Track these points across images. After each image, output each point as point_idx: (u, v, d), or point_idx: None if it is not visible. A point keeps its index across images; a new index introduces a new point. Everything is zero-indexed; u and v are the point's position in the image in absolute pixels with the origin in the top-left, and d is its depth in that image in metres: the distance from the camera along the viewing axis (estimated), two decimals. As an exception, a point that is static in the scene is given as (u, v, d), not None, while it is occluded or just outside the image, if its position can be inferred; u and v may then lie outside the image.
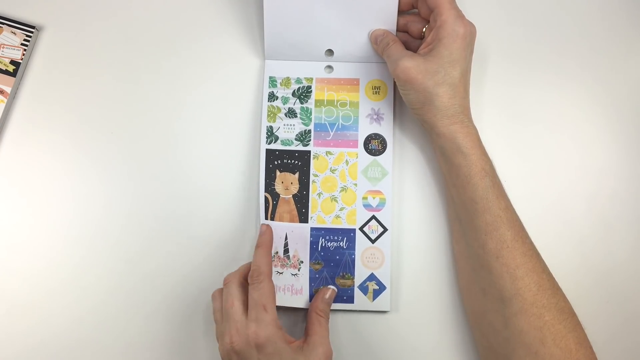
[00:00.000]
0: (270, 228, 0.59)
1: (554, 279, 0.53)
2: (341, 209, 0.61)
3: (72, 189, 0.62)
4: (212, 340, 0.59)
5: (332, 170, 0.61)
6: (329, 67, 0.63)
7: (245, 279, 0.55)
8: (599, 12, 0.64)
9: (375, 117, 0.62)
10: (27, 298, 0.60)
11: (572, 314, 0.52)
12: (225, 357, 0.53)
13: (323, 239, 0.60)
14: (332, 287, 0.58)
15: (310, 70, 0.63)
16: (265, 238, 0.58)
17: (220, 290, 0.56)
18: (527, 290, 0.51)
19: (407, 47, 0.61)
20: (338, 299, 0.59)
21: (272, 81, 0.62)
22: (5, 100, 0.62)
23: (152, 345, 0.60)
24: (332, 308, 0.59)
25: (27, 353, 0.59)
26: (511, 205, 0.54)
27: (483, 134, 0.56)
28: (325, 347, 0.54)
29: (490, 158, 0.55)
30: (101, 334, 0.60)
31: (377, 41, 0.60)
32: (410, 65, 0.54)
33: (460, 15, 0.55)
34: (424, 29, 0.59)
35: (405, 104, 0.58)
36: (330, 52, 0.62)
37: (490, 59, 0.64)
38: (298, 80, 0.62)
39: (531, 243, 0.54)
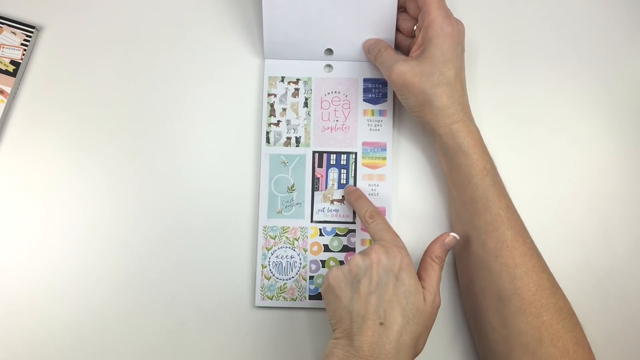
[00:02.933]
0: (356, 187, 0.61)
1: (553, 278, 0.53)
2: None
3: (72, 188, 0.62)
4: (214, 338, 0.59)
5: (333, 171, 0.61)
6: (329, 66, 0.63)
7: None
8: (598, 12, 0.64)
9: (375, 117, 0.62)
10: (27, 298, 0.60)
11: (571, 314, 0.52)
12: (362, 268, 0.51)
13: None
14: (453, 233, 0.55)
15: (310, 69, 0.63)
16: (358, 191, 0.59)
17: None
18: (526, 289, 0.51)
19: (399, 45, 0.61)
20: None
21: (272, 80, 0.62)
22: (5, 100, 0.62)
23: (153, 345, 0.60)
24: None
25: (27, 353, 0.59)
26: (512, 205, 0.54)
27: (483, 134, 0.56)
28: (437, 297, 0.52)
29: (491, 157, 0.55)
30: (102, 334, 0.60)
31: (370, 50, 0.60)
32: (404, 69, 0.55)
33: (448, 14, 0.55)
34: (415, 27, 0.59)
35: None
36: (329, 51, 0.62)
37: (490, 59, 0.64)
38: (298, 80, 0.62)
39: (531, 243, 0.54)
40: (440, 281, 0.53)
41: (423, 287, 0.51)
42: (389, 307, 0.48)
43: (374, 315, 0.48)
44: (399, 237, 0.53)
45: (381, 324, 0.48)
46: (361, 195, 0.58)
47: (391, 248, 0.51)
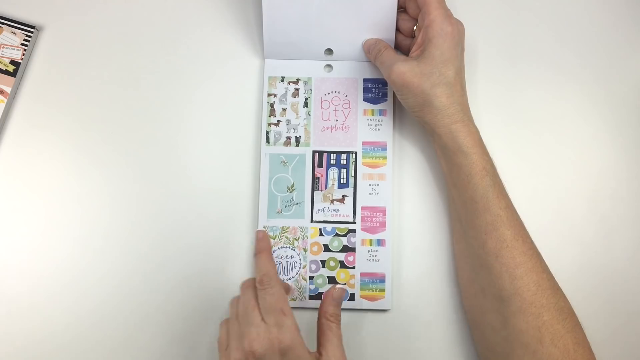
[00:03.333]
0: (266, 233, 0.59)
1: (554, 278, 0.53)
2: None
3: (71, 188, 0.62)
4: (214, 338, 0.59)
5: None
6: (329, 66, 0.63)
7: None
8: (598, 11, 0.64)
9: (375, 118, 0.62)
10: (27, 298, 0.60)
11: (571, 314, 0.51)
12: None
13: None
14: (340, 285, 0.55)
15: (310, 69, 0.63)
16: (264, 244, 0.57)
17: (238, 298, 0.54)
18: (526, 289, 0.51)
19: (399, 45, 0.61)
20: (338, 298, 0.59)
21: (272, 80, 0.62)
22: (5, 100, 0.62)
23: (153, 345, 0.60)
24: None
25: (28, 352, 0.59)
26: (512, 205, 0.54)
27: (482, 134, 0.56)
28: (341, 358, 0.51)
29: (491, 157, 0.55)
30: (101, 334, 0.60)
31: (370, 50, 0.60)
32: (404, 69, 0.55)
33: (447, 15, 0.55)
34: (415, 27, 0.59)
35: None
36: (329, 51, 0.62)
37: (490, 59, 0.64)
38: (298, 80, 0.62)
39: (531, 242, 0.54)
40: (341, 339, 0.52)
41: (321, 354, 0.51)
42: None
43: None
44: (285, 305, 0.51)
45: None
46: (262, 249, 0.56)
47: (267, 335, 0.49)
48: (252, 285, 0.53)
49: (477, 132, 0.55)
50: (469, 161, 0.54)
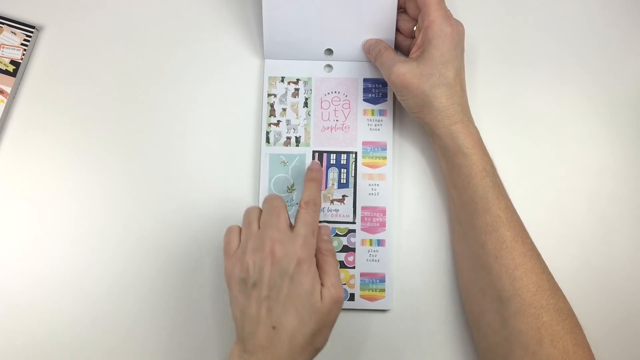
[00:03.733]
0: (321, 167, 0.59)
1: (553, 279, 0.53)
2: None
3: (72, 188, 0.62)
4: (215, 339, 0.59)
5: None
6: (329, 66, 0.63)
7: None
8: (597, 12, 0.64)
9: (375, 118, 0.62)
10: (27, 298, 0.60)
11: (571, 315, 0.51)
12: (256, 264, 0.50)
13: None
14: (324, 224, 0.56)
15: (310, 69, 0.63)
16: (318, 174, 0.57)
17: (256, 209, 0.54)
18: (526, 290, 0.51)
19: (399, 45, 0.61)
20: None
21: (272, 80, 0.62)
22: (5, 100, 0.62)
23: (153, 345, 0.60)
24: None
25: (27, 352, 0.59)
26: (512, 206, 0.54)
27: (482, 134, 0.56)
28: (334, 291, 0.51)
29: (491, 158, 0.55)
30: (101, 333, 0.60)
31: (370, 50, 0.60)
32: (404, 70, 0.55)
33: (447, 15, 0.55)
34: (415, 28, 0.59)
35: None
36: (329, 51, 0.62)
37: (489, 59, 0.64)
38: (298, 80, 0.62)
39: (531, 243, 0.54)
40: (338, 272, 0.53)
41: (322, 285, 0.51)
42: (282, 311, 0.49)
43: (266, 320, 0.49)
44: (317, 229, 0.53)
45: (274, 327, 0.49)
46: (315, 179, 0.56)
47: (291, 244, 0.50)
48: (281, 198, 0.54)
49: (477, 133, 0.55)
50: (468, 162, 0.54)
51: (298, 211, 0.53)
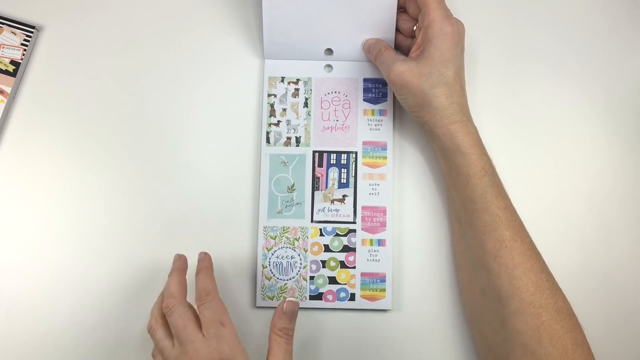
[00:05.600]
0: (208, 254, 0.57)
1: (553, 279, 0.53)
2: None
3: (71, 188, 0.62)
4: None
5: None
6: (329, 66, 0.63)
7: (186, 301, 0.52)
8: (598, 11, 0.64)
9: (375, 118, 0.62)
10: (27, 299, 0.60)
11: (570, 315, 0.52)
12: None
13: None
14: (291, 299, 0.52)
15: (310, 69, 0.63)
16: (205, 263, 0.56)
17: (157, 321, 0.52)
18: (525, 290, 0.51)
19: (399, 45, 0.61)
20: (339, 298, 0.59)
21: (272, 81, 0.62)
22: (5, 100, 0.62)
23: (153, 345, 0.60)
24: (334, 307, 0.60)
25: (27, 352, 0.59)
26: (511, 205, 0.54)
27: (482, 133, 0.56)
28: None
29: (491, 157, 0.55)
30: (101, 334, 0.60)
31: (370, 50, 0.60)
32: (403, 69, 0.55)
33: (447, 15, 0.55)
34: (415, 27, 0.59)
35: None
36: (329, 51, 0.62)
37: (490, 59, 0.64)
38: (298, 80, 0.62)
39: (531, 243, 0.54)
40: (289, 355, 0.50)
41: None
42: None
43: None
44: (225, 316, 0.50)
45: None
46: (202, 268, 0.55)
47: (208, 348, 0.48)
48: (179, 302, 0.51)
49: (476, 132, 0.55)
50: (467, 161, 0.54)
51: (198, 309, 0.51)
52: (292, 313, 0.51)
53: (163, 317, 0.52)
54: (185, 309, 0.51)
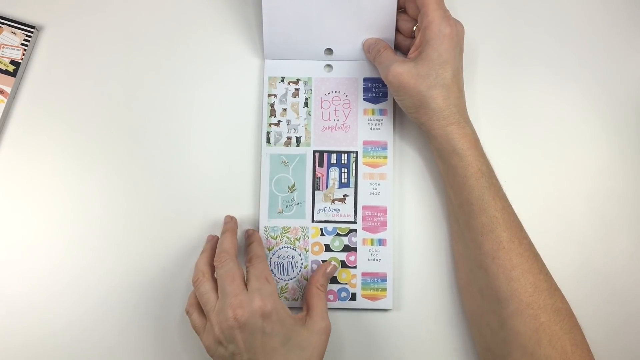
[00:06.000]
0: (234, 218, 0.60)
1: (552, 280, 0.53)
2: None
3: (71, 188, 0.62)
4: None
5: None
6: (329, 65, 0.63)
7: (236, 258, 0.55)
8: (598, 11, 0.64)
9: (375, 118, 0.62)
10: (27, 298, 0.60)
11: (569, 315, 0.52)
12: (225, 335, 0.51)
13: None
14: (333, 262, 0.59)
15: (310, 69, 0.63)
16: (251, 232, 0.60)
17: (204, 274, 0.55)
18: (523, 291, 0.51)
19: (398, 45, 0.61)
20: (340, 297, 0.60)
21: (272, 81, 0.62)
22: (5, 100, 0.62)
23: (153, 345, 0.60)
24: (334, 307, 0.60)
25: (27, 352, 0.60)
26: (509, 206, 0.54)
27: (481, 134, 0.56)
28: (326, 322, 0.55)
29: (489, 158, 0.55)
30: (101, 334, 0.60)
31: (369, 50, 0.60)
32: (401, 70, 0.55)
33: (446, 16, 0.55)
34: (415, 28, 0.59)
35: (403, 105, 0.58)
36: (329, 51, 0.62)
37: (488, 59, 0.64)
38: (298, 80, 0.62)
39: (529, 244, 0.54)
40: (326, 306, 0.56)
41: (309, 316, 0.55)
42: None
43: None
44: (270, 275, 0.55)
45: None
46: (254, 235, 0.59)
47: (250, 302, 0.51)
48: (230, 257, 0.54)
49: (474, 133, 0.55)
50: (464, 163, 0.54)
51: (246, 268, 0.55)
52: (331, 275, 0.59)
53: (209, 271, 0.55)
54: (235, 264, 0.54)
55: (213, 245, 0.58)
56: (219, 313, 0.52)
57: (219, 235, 0.58)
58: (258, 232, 0.60)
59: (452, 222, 0.58)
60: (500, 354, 0.52)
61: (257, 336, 0.51)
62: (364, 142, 0.62)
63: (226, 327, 0.51)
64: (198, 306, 0.55)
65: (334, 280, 0.60)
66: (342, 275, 0.60)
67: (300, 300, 0.60)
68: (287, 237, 0.61)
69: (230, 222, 0.59)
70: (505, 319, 0.51)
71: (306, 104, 0.62)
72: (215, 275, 0.55)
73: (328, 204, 0.61)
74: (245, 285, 0.53)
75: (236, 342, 0.51)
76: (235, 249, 0.56)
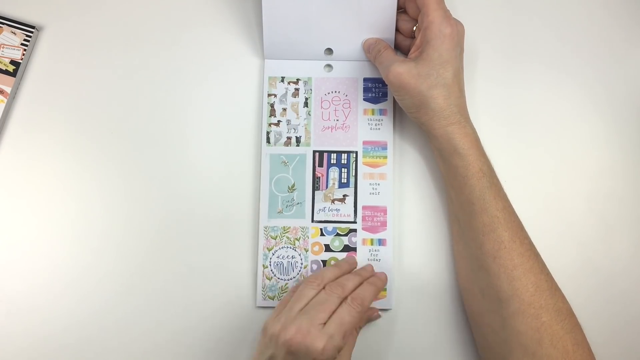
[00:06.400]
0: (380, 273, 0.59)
1: (553, 279, 0.53)
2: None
3: (71, 188, 0.62)
4: (215, 339, 0.59)
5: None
6: (329, 65, 0.63)
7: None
8: (598, 11, 0.64)
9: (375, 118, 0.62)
10: (27, 299, 0.60)
11: (570, 315, 0.52)
12: (273, 341, 0.50)
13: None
14: (380, 312, 0.59)
15: (310, 69, 0.63)
16: (381, 281, 0.57)
17: (322, 284, 0.54)
18: (525, 291, 0.51)
19: (398, 45, 0.61)
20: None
21: (272, 81, 0.62)
22: (5, 100, 0.62)
23: (154, 346, 0.60)
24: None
25: (28, 353, 0.59)
26: (510, 206, 0.54)
27: (482, 134, 0.56)
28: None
29: (489, 158, 0.55)
30: (102, 335, 0.60)
31: (370, 49, 0.60)
32: (402, 70, 0.55)
33: (447, 16, 0.55)
34: (415, 28, 0.59)
35: (403, 105, 0.58)
36: (329, 51, 0.62)
37: (489, 59, 0.64)
38: (298, 80, 0.62)
39: (530, 244, 0.54)
40: (352, 347, 0.55)
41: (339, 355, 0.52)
42: None
43: None
44: (353, 332, 0.53)
45: None
46: (376, 285, 0.56)
47: (314, 340, 0.49)
48: (345, 285, 0.53)
49: (474, 133, 0.55)
50: (465, 163, 0.54)
51: (342, 304, 0.52)
52: (372, 321, 0.60)
53: (325, 284, 0.54)
54: (361, 318, 0.54)
55: (350, 267, 0.58)
56: (290, 321, 0.51)
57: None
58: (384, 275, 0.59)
59: (453, 222, 0.58)
60: (501, 353, 0.52)
61: None
62: (364, 142, 0.62)
63: (280, 339, 0.50)
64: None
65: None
66: (342, 275, 0.60)
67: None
68: (287, 237, 0.61)
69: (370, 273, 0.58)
70: (506, 318, 0.51)
71: (306, 104, 0.62)
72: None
73: (328, 204, 0.61)
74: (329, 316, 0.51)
75: (277, 353, 0.50)
76: (351, 292, 0.54)
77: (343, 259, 0.60)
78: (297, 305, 0.52)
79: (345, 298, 0.52)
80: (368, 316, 0.58)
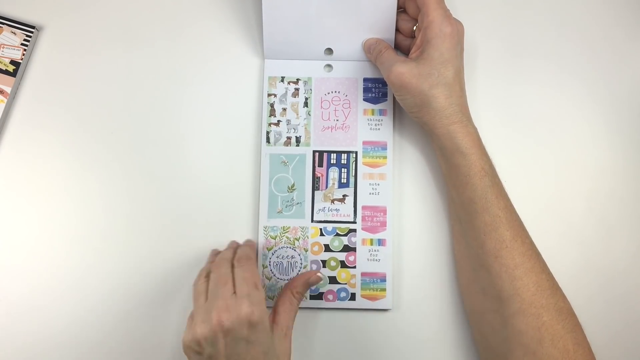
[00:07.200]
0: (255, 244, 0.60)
1: (553, 279, 0.53)
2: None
3: (71, 188, 0.62)
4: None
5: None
6: (329, 65, 0.63)
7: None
8: (599, 10, 0.64)
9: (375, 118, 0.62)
10: (27, 299, 0.60)
11: (571, 315, 0.52)
12: (207, 338, 0.49)
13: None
14: (320, 273, 0.58)
15: (310, 69, 0.63)
16: (249, 242, 0.59)
17: (208, 273, 0.54)
18: (526, 290, 0.51)
19: (399, 45, 0.61)
20: (340, 297, 0.59)
21: (272, 80, 0.62)
22: (5, 100, 0.62)
23: (154, 346, 0.60)
24: (334, 307, 0.60)
25: (28, 353, 0.59)
26: (511, 205, 0.54)
27: (482, 133, 0.56)
28: (289, 337, 0.54)
29: (490, 157, 0.55)
30: (102, 335, 0.60)
31: (370, 50, 0.60)
32: (403, 70, 0.55)
33: (447, 15, 0.55)
34: (415, 27, 0.59)
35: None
36: (329, 51, 0.62)
37: (490, 58, 0.64)
38: (298, 80, 0.62)
39: (531, 243, 0.54)
40: (295, 316, 0.56)
41: (275, 322, 0.54)
42: None
43: None
44: (259, 281, 0.52)
45: None
46: (252, 245, 0.59)
47: (238, 308, 0.49)
48: (227, 262, 0.54)
49: (476, 132, 0.55)
50: (467, 162, 0.54)
51: (234, 270, 0.53)
52: (313, 285, 0.58)
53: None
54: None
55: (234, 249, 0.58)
56: (205, 313, 0.50)
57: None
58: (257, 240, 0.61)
59: (454, 221, 0.58)
60: (501, 353, 0.52)
61: (240, 344, 0.49)
62: (364, 142, 0.62)
63: (208, 330, 0.49)
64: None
65: (333, 280, 0.60)
66: (342, 275, 0.60)
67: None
68: (287, 237, 0.60)
69: (252, 240, 0.60)
70: (507, 317, 0.51)
71: (306, 104, 0.62)
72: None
73: (328, 204, 0.61)
74: (234, 288, 0.51)
75: (217, 347, 0.49)
76: (231, 260, 0.54)
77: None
78: (199, 301, 0.52)
79: (233, 267, 0.53)
80: (306, 279, 0.57)
